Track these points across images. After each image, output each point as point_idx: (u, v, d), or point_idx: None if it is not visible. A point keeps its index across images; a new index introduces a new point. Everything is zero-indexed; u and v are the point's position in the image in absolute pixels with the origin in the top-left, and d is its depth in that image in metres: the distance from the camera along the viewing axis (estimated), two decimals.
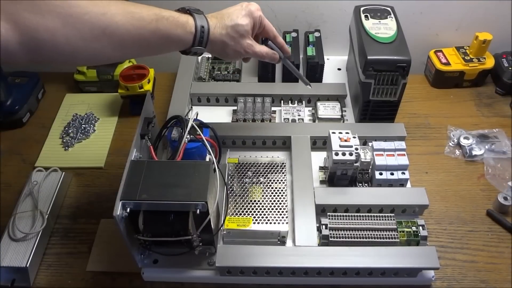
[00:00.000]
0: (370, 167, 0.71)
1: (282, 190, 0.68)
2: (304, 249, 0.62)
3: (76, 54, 0.50)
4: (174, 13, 0.56)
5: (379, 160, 0.69)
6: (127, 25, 0.51)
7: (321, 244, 0.64)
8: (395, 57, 0.72)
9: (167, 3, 0.92)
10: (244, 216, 0.65)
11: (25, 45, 0.45)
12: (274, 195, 0.67)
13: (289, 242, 0.66)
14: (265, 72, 0.88)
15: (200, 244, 0.61)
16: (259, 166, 0.72)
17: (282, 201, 0.67)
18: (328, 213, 0.65)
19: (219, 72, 0.92)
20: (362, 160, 0.69)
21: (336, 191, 0.70)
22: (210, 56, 0.96)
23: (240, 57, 0.64)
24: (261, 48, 0.65)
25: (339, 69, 0.96)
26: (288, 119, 0.83)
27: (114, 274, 0.67)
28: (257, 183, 0.69)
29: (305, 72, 0.90)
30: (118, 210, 0.54)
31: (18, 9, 0.44)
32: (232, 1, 0.92)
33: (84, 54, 0.51)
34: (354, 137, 0.69)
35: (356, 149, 0.67)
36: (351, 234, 0.63)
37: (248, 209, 0.66)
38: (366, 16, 0.79)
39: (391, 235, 0.63)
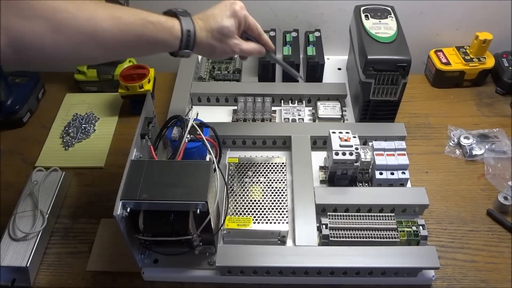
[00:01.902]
0: (370, 166, 0.71)
1: (282, 190, 0.68)
2: (304, 249, 0.62)
3: (63, 57, 0.51)
4: (161, 18, 0.57)
5: (379, 160, 0.69)
6: (113, 30, 0.52)
7: (321, 243, 0.64)
8: (395, 57, 0.72)
9: (167, 3, 0.93)
10: (244, 215, 0.65)
11: (13, 47, 0.47)
12: (274, 195, 0.67)
13: (289, 241, 0.66)
14: (265, 72, 0.88)
15: (200, 243, 0.61)
16: (259, 165, 0.72)
17: (282, 200, 0.67)
18: (328, 213, 0.65)
19: (219, 72, 0.92)
20: (362, 159, 0.69)
21: (336, 191, 0.70)
22: None
23: (228, 56, 0.65)
24: (248, 45, 0.65)
25: (339, 68, 0.96)
26: (288, 118, 0.83)
27: (114, 274, 0.67)
28: (257, 182, 0.69)
29: (305, 72, 0.90)
30: (118, 210, 0.54)
31: (6, 14, 0.45)
32: None
33: (71, 56, 0.52)
34: (354, 137, 0.69)
35: (356, 148, 0.67)
36: (351, 234, 0.63)
37: (248, 208, 0.66)
38: (366, 16, 0.79)
39: (391, 234, 0.63)
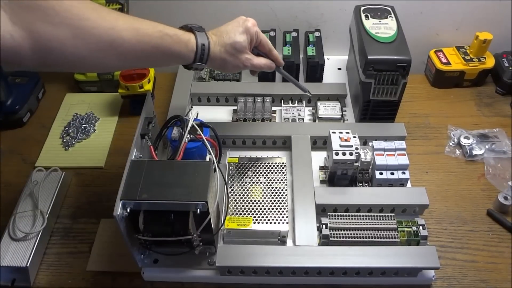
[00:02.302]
0: (370, 166, 0.71)
1: (282, 190, 0.68)
2: (304, 249, 0.62)
3: (81, 63, 0.53)
4: (177, 31, 0.59)
5: (379, 160, 0.69)
6: (132, 40, 0.54)
7: (321, 243, 0.64)
8: (395, 57, 0.72)
9: (167, 3, 0.93)
10: (244, 215, 0.65)
11: (36, 51, 0.48)
12: (274, 195, 0.67)
13: (289, 241, 0.66)
14: (265, 72, 0.88)
15: (200, 244, 0.61)
16: (259, 165, 0.72)
17: (282, 200, 0.67)
18: (328, 213, 0.65)
19: (219, 72, 0.92)
20: (362, 159, 0.69)
21: (336, 191, 0.70)
22: None
23: (239, 70, 0.68)
24: (259, 60, 0.68)
25: (339, 68, 0.96)
26: (288, 118, 0.83)
27: (114, 274, 0.67)
28: (257, 182, 0.69)
29: (306, 72, 0.90)
30: (118, 210, 0.54)
31: (33, 19, 0.47)
32: (229, 2, 0.92)
33: (88, 63, 0.54)
34: (354, 137, 0.69)
35: (356, 148, 0.67)
36: (351, 234, 0.63)
37: (248, 208, 0.66)
38: (366, 16, 0.79)
39: (391, 234, 0.63)
